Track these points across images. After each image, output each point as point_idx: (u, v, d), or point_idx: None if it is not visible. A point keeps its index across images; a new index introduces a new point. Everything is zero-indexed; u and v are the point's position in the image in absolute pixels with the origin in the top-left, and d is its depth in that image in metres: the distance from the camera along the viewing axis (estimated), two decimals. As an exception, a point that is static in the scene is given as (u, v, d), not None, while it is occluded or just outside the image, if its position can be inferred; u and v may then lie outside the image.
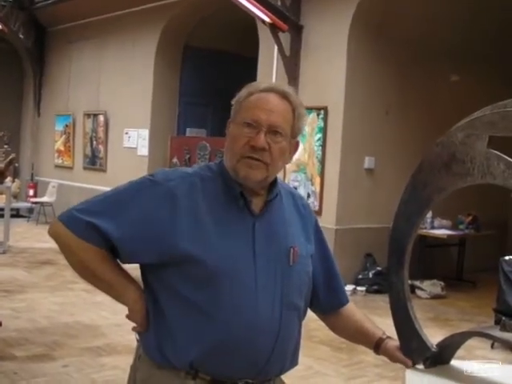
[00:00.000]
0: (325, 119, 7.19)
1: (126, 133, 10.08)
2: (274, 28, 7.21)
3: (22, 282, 6.72)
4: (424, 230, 7.20)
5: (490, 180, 1.48)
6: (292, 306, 1.59)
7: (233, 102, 1.58)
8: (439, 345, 1.67)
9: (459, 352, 1.74)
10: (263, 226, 1.56)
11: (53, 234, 1.56)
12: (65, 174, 11.46)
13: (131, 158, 9.84)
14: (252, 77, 7.33)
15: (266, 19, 7.11)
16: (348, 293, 1.83)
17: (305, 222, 1.69)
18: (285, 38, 7.34)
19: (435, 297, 7.05)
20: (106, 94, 10.53)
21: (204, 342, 1.50)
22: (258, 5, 6.96)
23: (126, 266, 1.59)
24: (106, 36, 10.50)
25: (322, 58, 7.24)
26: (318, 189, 7.25)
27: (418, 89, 7.70)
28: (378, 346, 1.70)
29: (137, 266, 1.58)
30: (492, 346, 5.06)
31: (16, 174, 12.13)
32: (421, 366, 1.67)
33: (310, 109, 6.98)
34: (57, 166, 11.79)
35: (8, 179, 9.46)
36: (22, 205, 11.81)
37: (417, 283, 7.04)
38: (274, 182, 1.61)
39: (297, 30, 7.39)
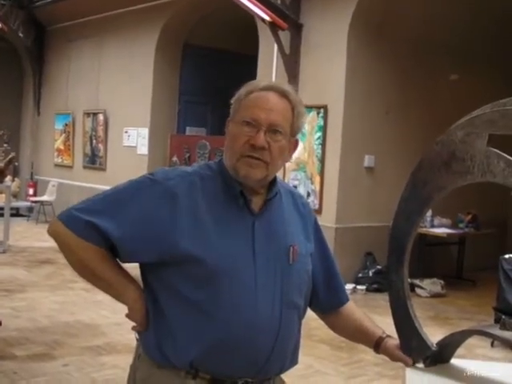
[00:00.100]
0: (325, 118, 7.19)
1: (126, 131, 10.07)
2: (273, 26, 7.20)
3: (22, 282, 6.72)
4: (424, 229, 7.21)
5: (490, 178, 1.48)
6: (292, 305, 1.59)
7: (232, 101, 1.57)
8: (439, 343, 1.67)
9: (459, 351, 1.74)
10: (263, 224, 1.56)
11: (52, 233, 1.56)
12: (64, 173, 11.46)
13: (131, 156, 9.84)
14: (252, 75, 7.32)
15: (266, 18, 7.11)
16: (348, 291, 1.83)
17: (304, 221, 1.69)
18: (285, 36, 7.33)
19: (435, 295, 7.05)
20: (105, 92, 10.53)
21: (204, 341, 1.49)
22: (257, 3, 6.95)
23: (126, 265, 1.59)
24: (105, 34, 10.50)
25: (321, 57, 7.24)
26: (317, 187, 7.24)
27: (418, 87, 7.70)
28: (377, 344, 1.70)
29: (136, 265, 1.57)
30: (492, 345, 5.06)
31: (16, 173, 12.12)
32: (421, 365, 1.67)
33: (309, 107, 6.98)
34: (56, 165, 11.78)
35: (8, 178, 9.43)
36: (21, 204, 11.80)
37: (417, 282, 7.04)
38: (274, 180, 1.61)
39: (297, 29, 7.39)
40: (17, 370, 4.09)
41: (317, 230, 1.74)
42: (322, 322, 1.82)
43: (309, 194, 7.24)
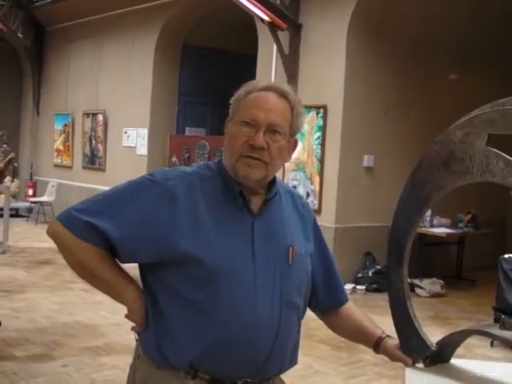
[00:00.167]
0: (324, 118, 7.19)
1: (125, 132, 10.07)
2: (273, 27, 7.20)
3: (21, 282, 6.71)
4: (423, 229, 7.21)
5: (489, 178, 1.48)
6: (291, 305, 1.59)
7: (231, 101, 1.57)
8: (439, 343, 1.67)
9: (459, 350, 1.74)
10: (262, 225, 1.56)
11: (51, 234, 1.56)
12: (64, 174, 11.45)
13: (130, 157, 9.83)
14: (251, 75, 7.33)
15: (265, 18, 7.11)
16: (347, 291, 1.83)
17: (304, 221, 1.69)
18: (284, 36, 7.33)
19: (434, 295, 7.05)
20: (104, 93, 10.52)
21: (203, 342, 1.49)
22: (257, 3, 6.95)
23: (125, 266, 1.59)
24: (104, 35, 10.49)
25: (321, 57, 7.24)
26: (317, 187, 7.24)
27: (417, 87, 7.70)
28: (377, 344, 1.70)
29: (136, 265, 1.57)
30: (491, 345, 5.06)
31: (15, 174, 12.13)
32: (420, 365, 1.67)
33: (309, 107, 6.97)
34: (56, 166, 11.78)
35: (7, 179, 9.43)
36: (21, 204, 11.80)
37: (416, 282, 7.04)
38: (273, 181, 1.61)
39: (296, 29, 7.39)
40: (16, 371, 4.09)
41: (316, 230, 1.74)
42: (321, 322, 1.81)
43: (308, 194, 7.24)
